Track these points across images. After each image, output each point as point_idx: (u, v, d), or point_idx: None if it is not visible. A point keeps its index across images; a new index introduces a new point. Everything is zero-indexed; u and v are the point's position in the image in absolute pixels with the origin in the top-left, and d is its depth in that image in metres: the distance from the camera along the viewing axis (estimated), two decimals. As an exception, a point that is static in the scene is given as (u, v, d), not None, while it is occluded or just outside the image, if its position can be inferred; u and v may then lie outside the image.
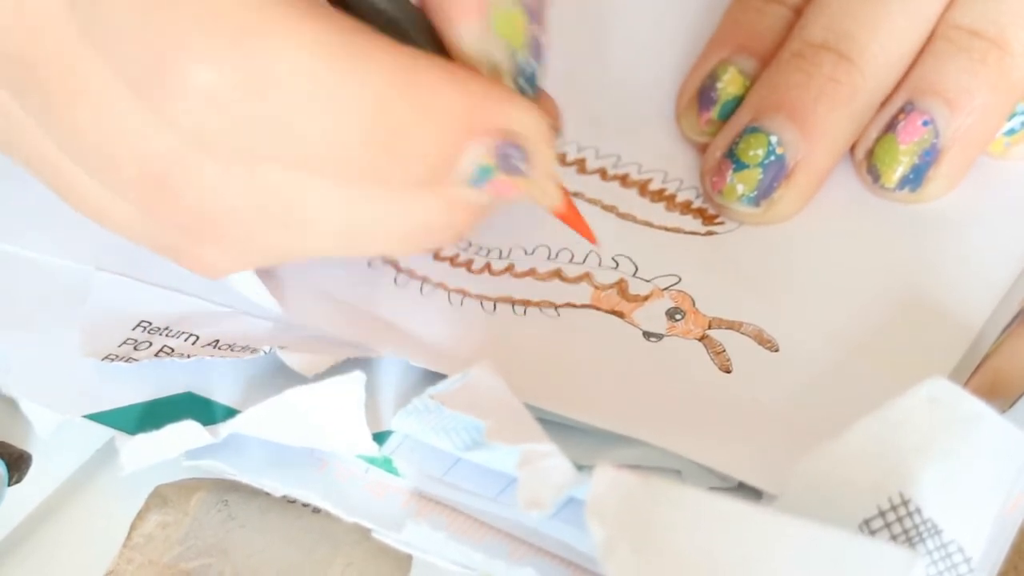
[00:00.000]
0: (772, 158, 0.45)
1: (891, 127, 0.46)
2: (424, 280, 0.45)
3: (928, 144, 0.45)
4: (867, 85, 0.46)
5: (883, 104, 0.46)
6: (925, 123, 0.45)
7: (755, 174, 0.45)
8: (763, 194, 0.45)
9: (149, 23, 0.34)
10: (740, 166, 0.46)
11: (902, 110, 0.46)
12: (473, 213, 0.39)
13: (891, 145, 0.46)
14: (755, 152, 0.45)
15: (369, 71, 0.35)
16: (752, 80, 0.47)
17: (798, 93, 0.46)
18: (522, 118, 0.37)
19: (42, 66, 0.37)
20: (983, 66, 0.45)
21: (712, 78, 0.48)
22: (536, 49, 0.39)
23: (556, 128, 0.41)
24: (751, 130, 0.46)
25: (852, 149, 0.47)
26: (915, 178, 0.46)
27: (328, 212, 0.37)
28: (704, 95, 0.48)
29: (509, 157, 0.37)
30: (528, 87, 0.39)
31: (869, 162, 0.46)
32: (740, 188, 0.46)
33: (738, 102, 0.47)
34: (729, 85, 0.48)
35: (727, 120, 0.47)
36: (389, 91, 0.35)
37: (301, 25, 0.35)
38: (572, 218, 0.41)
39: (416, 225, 0.38)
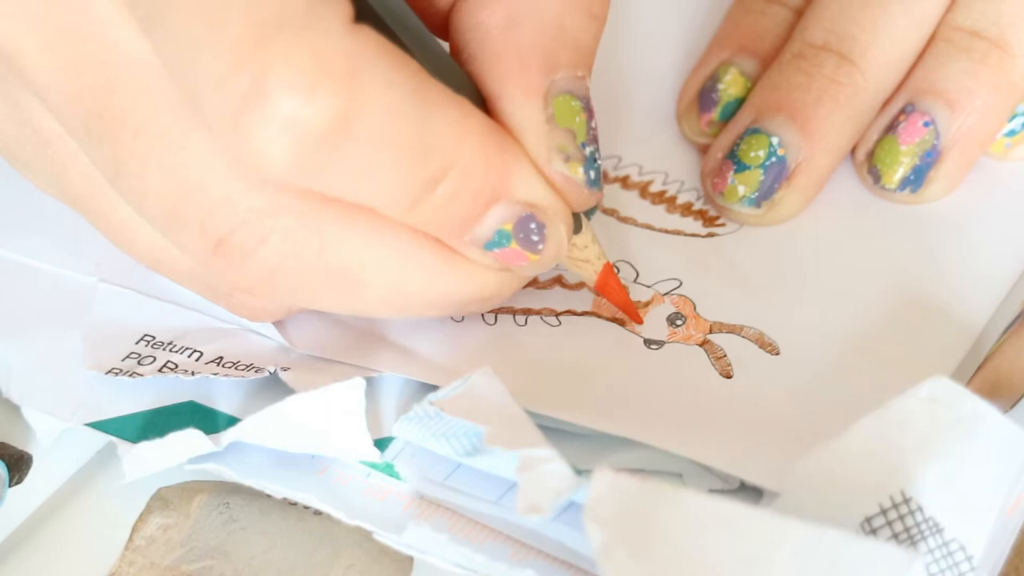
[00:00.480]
0: (773, 159, 0.45)
1: (892, 128, 0.46)
2: None
3: (929, 145, 0.45)
4: (868, 86, 0.46)
5: (884, 105, 0.46)
6: (926, 124, 0.45)
7: (756, 175, 0.46)
8: (764, 195, 0.45)
9: (250, 48, 0.34)
10: (741, 167, 0.46)
11: (903, 111, 0.46)
12: (499, 293, 0.40)
13: (892, 146, 0.46)
14: (756, 153, 0.45)
15: (437, 115, 0.36)
16: (754, 81, 0.47)
17: (799, 94, 0.46)
18: (547, 195, 0.39)
19: (118, 118, 0.37)
20: (984, 67, 0.45)
21: (713, 79, 0.48)
22: (595, 140, 0.40)
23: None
24: (752, 131, 0.46)
25: (853, 150, 0.47)
26: (916, 179, 0.46)
27: (381, 277, 0.38)
28: (705, 96, 0.48)
29: (529, 229, 0.39)
30: (597, 180, 0.40)
31: (870, 163, 0.46)
32: (741, 189, 0.46)
33: (739, 103, 0.47)
34: (730, 86, 0.48)
35: (728, 121, 0.47)
36: (451, 136, 0.36)
37: (390, 65, 0.35)
38: (614, 295, 0.43)
39: (456, 296, 0.39)
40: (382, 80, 0.35)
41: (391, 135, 0.35)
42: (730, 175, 0.46)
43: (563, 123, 0.39)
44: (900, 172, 0.46)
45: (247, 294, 0.40)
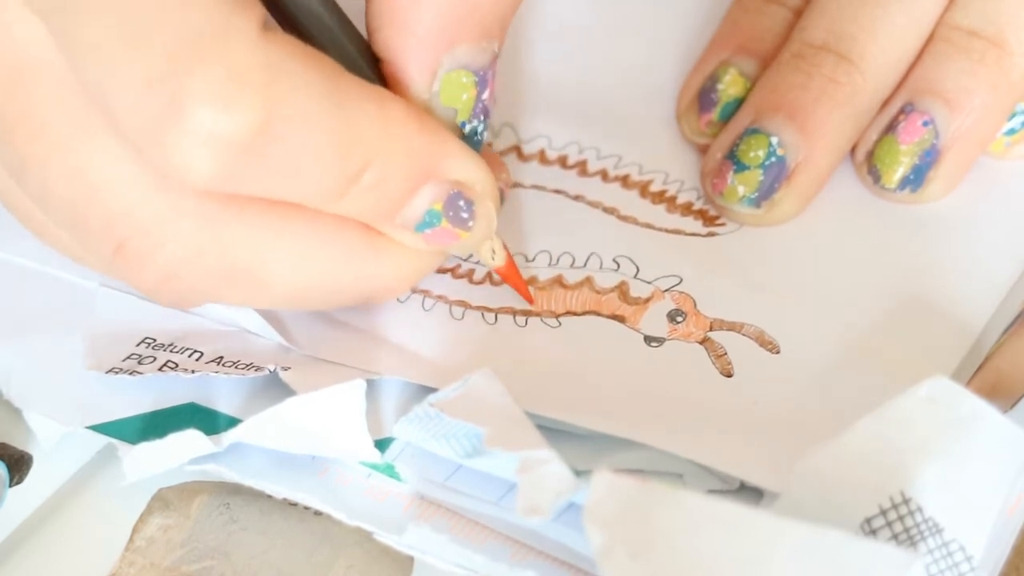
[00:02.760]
0: (773, 159, 0.45)
1: (891, 128, 0.46)
2: (425, 294, 0.45)
3: (928, 144, 0.45)
4: (867, 86, 0.46)
5: (883, 105, 0.46)
6: (925, 123, 0.45)
7: (756, 175, 0.45)
8: (764, 195, 0.45)
9: (166, 64, 0.34)
10: (741, 167, 0.46)
11: (902, 111, 0.46)
12: (416, 274, 0.41)
13: (891, 146, 0.46)
14: (756, 153, 0.45)
15: (355, 110, 0.37)
16: (753, 82, 0.47)
17: (798, 94, 0.46)
18: (475, 171, 0.39)
19: (19, 119, 0.37)
20: (982, 66, 0.45)
21: (713, 80, 0.48)
22: (482, 114, 0.40)
23: (505, 187, 0.43)
24: (752, 131, 0.46)
25: (853, 150, 0.47)
26: (916, 178, 0.46)
27: (285, 275, 0.39)
28: (705, 96, 0.48)
29: (458, 207, 0.39)
30: (474, 147, 0.40)
31: (870, 163, 0.46)
32: (741, 189, 0.45)
33: (739, 104, 0.47)
34: (730, 87, 0.48)
35: (728, 121, 0.47)
36: (371, 129, 0.37)
37: (305, 69, 0.36)
38: (512, 277, 0.43)
39: (367, 282, 0.40)
40: (297, 85, 0.35)
41: (310, 137, 0.36)
42: (730, 175, 0.46)
43: (447, 102, 0.39)
44: (900, 172, 0.46)
45: (150, 295, 0.40)
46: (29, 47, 0.37)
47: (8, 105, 0.37)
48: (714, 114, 0.48)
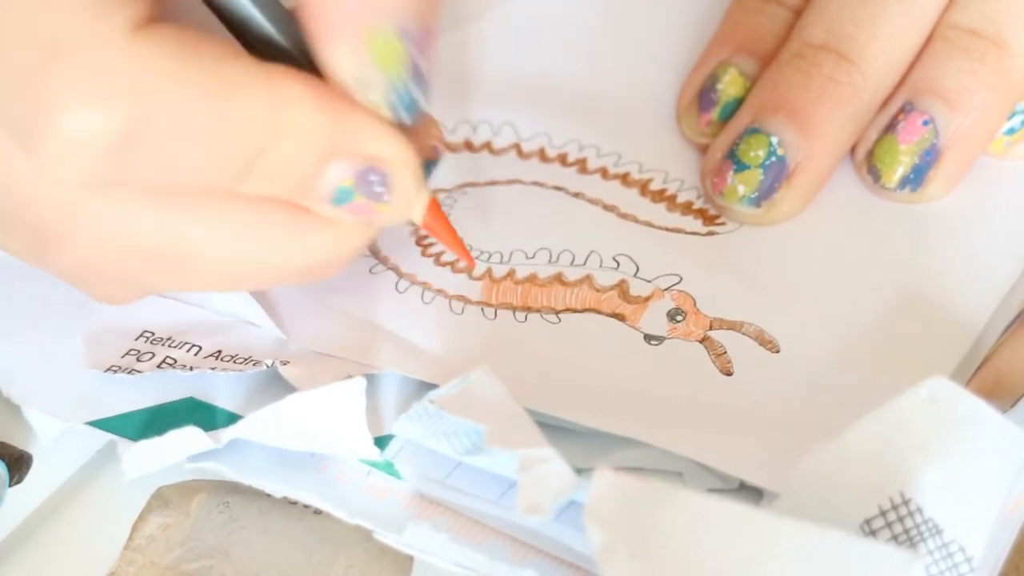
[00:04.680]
0: (773, 159, 0.45)
1: (891, 127, 0.46)
2: (425, 286, 0.45)
3: (928, 144, 0.45)
4: (867, 85, 0.46)
5: (883, 105, 0.46)
6: (925, 123, 0.45)
7: (756, 175, 0.45)
8: (764, 195, 0.45)
9: (24, 71, 0.35)
10: (741, 167, 0.46)
11: (902, 110, 0.46)
12: (351, 248, 0.40)
13: (891, 145, 0.46)
14: (756, 153, 0.45)
15: (240, 96, 0.36)
16: (752, 81, 0.47)
17: (799, 94, 0.46)
18: (385, 145, 0.39)
19: None
20: (982, 65, 0.45)
21: (712, 79, 0.48)
22: (418, 78, 0.39)
23: (436, 151, 0.41)
24: (752, 131, 0.46)
25: (852, 150, 0.47)
26: (916, 178, 0.46)
27: (210, 253, 0.39)
28: (704, 96, 0.48)
29: (370, 182, 0.39)
30: (408, 116, 0.39)
31: (869, 163, 0.46)
32: (741, 189, 0.45)
33: (738, 103, 0.47)
34: (730, 86, 0.48)
35: (727, 121, 0.47)
36: (261, 113, 0.37)
37: (177, 65, 0.36)
38: (441, 232, 0.42)
39: (298, 259, 0.40)
40: (169, 82, 0.35)
41: (187, 129, 0.36)
42: (730, 175, 0.46)
43: (379, 64, 0.38)
44: (900, 171, 0.46)
45: (81, 284, 0.40)
46: None
47: None
48: (714, 114, 0.48)
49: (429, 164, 0.41)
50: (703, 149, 0.48)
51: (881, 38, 0.46)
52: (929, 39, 0.46)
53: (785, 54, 0.47)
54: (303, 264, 0.40)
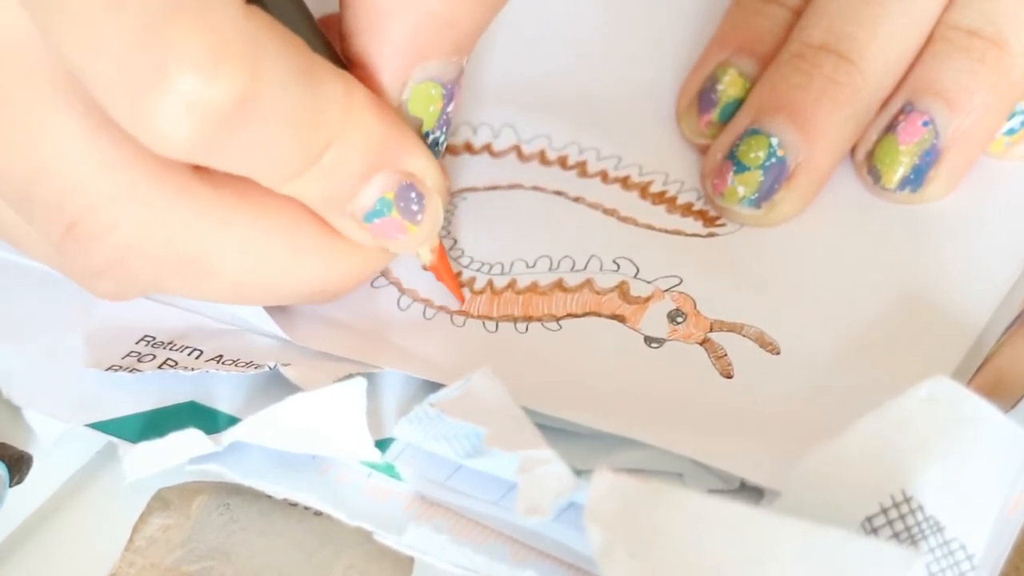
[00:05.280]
0: (773, 160, 0.45)
1: (891, 128, 0.46)
2: (427, 303, 0.45)
3: (928, 144, 0.45)
4: (867, 86, 0.46)
5: (883, 105, 0.46)
6: (925, 123, 0.45)
7: (756, 176, 0.45)
8: (764, 196, 0.45)
9: (152, 29, 0.34)
10: (741, 168, 0.46)
11: (902, 111, 0.46)
12: (363, 273, 0.42)
13: (891, 146, 0.46)
14: (756, 154, 0.45)
15: (324, 89, 0.37)
16: (752, 82, 0.47)
17: (798, 94, 0.46)
18: (428, 167, 0.40)
19: None
20: (982, 65, 0.45)
21: (712, 80, 0.48)
22: (445, 125, 0.41)
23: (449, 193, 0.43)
24: (752, 132, 0.46)
25: (852, 151, 0.47)
26: (916, 179, 0.46)
27: (230, 266, 0.39)
28: (704, 97, 0.48)
29: (409, 199, 0.40)
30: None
31: (869, 163, 0.46)
32: (741, 190, 0.45)
33: (738, 104, 0.47)
34: (729, 87, 0.48)
35: (727, 122, 0.47)
36: (336, 110, 0.37)
37: (284, 44, 0.36)
38: (443, 274, 0.44)
39: (311, 279, 0.41)
40: (276, 59, 0.36)
41: (284, 112, 0.36)
42: (730, 176, 0.46)
43: (415, 111, 0.40)
44: (900, 172, 0.46)
45: (97, 278, 0.40)
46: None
47: None
48: (714, 115, 0.48)
49: None
50: (703, 150, 0.48)
51: (881, 38, 0.46)
52: (929, 40, 0.46)
53: (785, 55, 0.47)
54: (315, 285, 0.41)
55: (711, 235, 0.46)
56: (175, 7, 0.34)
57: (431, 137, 0.41)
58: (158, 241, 0.38)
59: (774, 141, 0.45)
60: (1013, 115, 0.46)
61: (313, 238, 0.40)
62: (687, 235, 0.46)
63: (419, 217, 0.40)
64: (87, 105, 0.37)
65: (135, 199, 0.38)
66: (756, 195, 0.45)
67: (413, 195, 0.40)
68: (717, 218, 0.46)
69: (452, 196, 0.48)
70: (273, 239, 0.39)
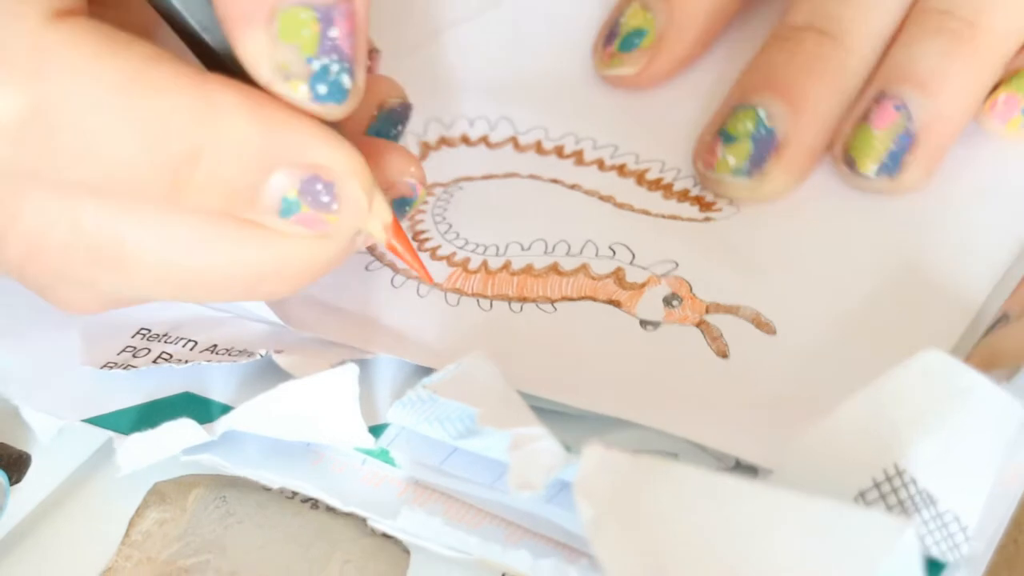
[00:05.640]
0: (762, 130, 0.45)
1: (864, 117, 0.46)
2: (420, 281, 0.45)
3: (902, 128, 0.45)
4: (851, 62, 0.46)
5: (858, 99, 0.46)
6: (897, 107, 0.45)
7: (746, 146, 0.45)
8: (755, 165, 0.45)
9: None
10: (729, 140, 0.46)
11: (875, 100, 0.46)
12: (307, 264, 0.39)
13: (865, 133, 0.45)
14: (744, 125, 0.46)
15: (167, 100, 0.35)
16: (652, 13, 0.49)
17: (783, 70, 0.46)
18: (330, 153, 0.37)
19: None
20: (956, 45, 0.45)
21: (617, 15, 0.50)
22: (333, 52, 0.37)
23: (410, 188, 0.40)
24: (740, 108, 0.46)
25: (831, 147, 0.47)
26: (892, 163, 0.45)
27: (148, 255, 0.38)
28: (609, 32, 0.50)
29: (316, 192, 0.37)
30: (333, 94, 0.37)
31: (845, 154, 0.46)
32: (732, 160, 0.45)
33: (639, 33, 0.49)
34: (631, 19, 0.49)
35: (628, 52, 0.48)
36: (181, 118, 0.36)
37: (90, 56, 0.35)
38: (404, 252, 0.40)
39: (244, 270, 0.38)
40: (78, 71, 0.35)
41: (101, 123, 0.35)
42: (720, 149, 0.46)
43: (285, 37, 0.37)
44: (875, 157, 0.45)
45: (26, 281, 0.40)
46: None
47: None
48: (615, 45, 0.49)
49: (403, 202, 0.40)
50: (616, 82, 0.49)
51: (865, 16, 0.46)
52: (902, 25, 0.46)
53: (769, 38, 0.47)
54: (249, 276, 0.38)
55: (707, 219, 0.46)
56: None
57: (316, 64, 0.37)
58: (64, 233, 0.37)
59: (762, 113, 0.45)
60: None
61: (231, 227, 0.38)
62: (683, 220, 0.46)
63: (334, 207, 0.37)
64: None
65: (34, 189, 0.37)
66: (747, 164, 0.45)
67: (320, 187, 0.37)
68: (713, 203, 0.46)
69: (448, 186, 0.47)
70: (190, 227, 0.38)
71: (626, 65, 0.49)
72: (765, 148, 0.45)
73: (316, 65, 0.37)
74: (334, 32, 0.37)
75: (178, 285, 0.38)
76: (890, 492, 0.35)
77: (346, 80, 0.37)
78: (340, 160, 0.37)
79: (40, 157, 0.36)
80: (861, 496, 0.35)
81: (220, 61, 0.38)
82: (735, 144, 0.45)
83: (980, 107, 0.46)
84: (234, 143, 0.36)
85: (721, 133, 0.46)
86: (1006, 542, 0.37)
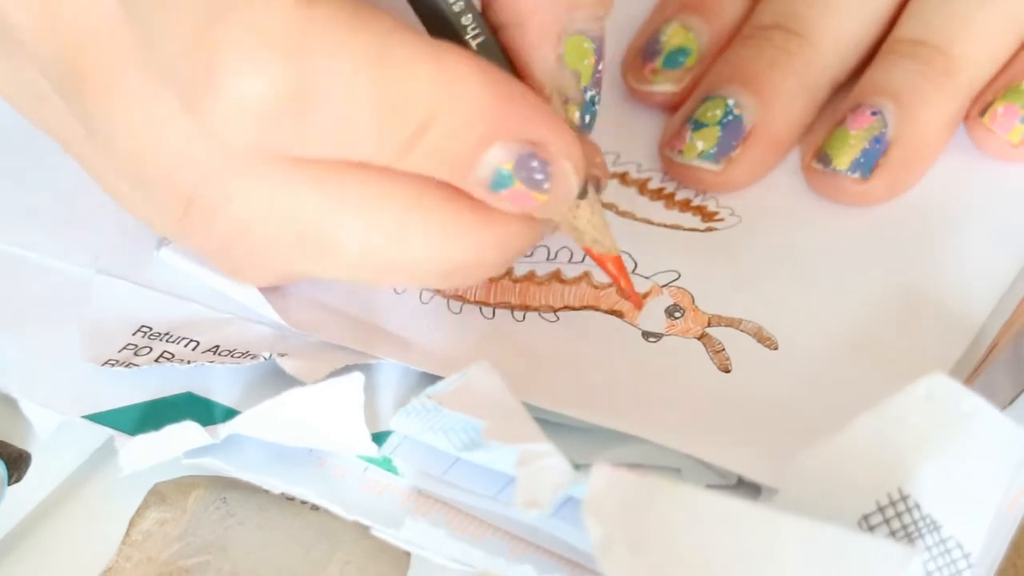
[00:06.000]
0: (730, 118, 0.46)
1: (841, 121, 0.46)
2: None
3: (878, 131, 0.46)
4: (819, 59, 0.47)
5: (831, 109, 0.47)
6: (874, 113, 0.46)
7: (714, 132, 0.46)
8: (722, 151, 0.46)
9: (202, 31, 0.35)
10: (699, 126, 0.46)
11: (851, 109, 0.46)
12: (503, 251, 0.39)
13: (842, 133, 0.46)
14: (713, 113, 0.46)
15: (407, 70, 0.36)
16: (695, 33, 0.48)
17: (751, 64, 0.47)
18: (551, 133, 0.38)
19: (85, 73, 0.38)
20: (929, 67, 0.46)
21: (655, 34, 0.49)
22: (598, 84, 0.40)
23: (601, 174, 0.41)
24: (709, 98, 0.47)
25: (802, 153, 0.47)
26: (865, 164, 0.45)
27: (352, 240, 0.38)
28: (648, 48, 0.49)
29: (530, 168, 0.38)
30: (588, 125, 0.40)
31: (820, 152, 0.46)
32: (700, 145, 0.46)
33: (682, 52, 0.48)
34: (672, 37, 0.49)
35: (672, 69, 0.48)
36: (427, 88, 0.36)
37: (344, 32, 0.35)
38: (618, 271, 0.42)
39: (443, 258, 0.39)
40: (335, 47, 0.35)
41: (352, 99, 0.36)
42: (688, 134, 0.46)
43: (571, 64, 0.39)
44: (850, 154, 0.46)
45: (220, 258, 0.40)
46: (97, 6, 0.37)
47: (77, 63, 0.38)
48: (658, 62, 0.49)
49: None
50: (649, 100, 0.49)
51: (832, 15, 0.47)
52: (876, 54, 0.47)
53: (737, 39, 0.48)
54: (445, 265, 0.39)
55: (709, 229, 0.46)
56: (222, 5, 0.35)
57: (588, 94, 0.40)
58: (278, 213, 0.38)
59: (730, 102, 0.46)
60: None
61: (446, 208, 0.38)
62: (685, 229, 0.46)
63: (546, 185, 0.38)
64: None
65: (251, 170, 0.38)
66: (715, 149, 0.46)
67: (535, 164, 0.38)
68: (716, 213, 0.46)
69: None
70: (400, 209, 0.38)
71: (669, 82, 0.48)
72: (733, 135, 0.46)
73: (588, 95, 0.40)
74: (601, 66, 0.40)
75: (373, 270, 0.39)
76: (894, 516, 0.35)
77: (597, 108, 0.40)
78: (559, 140, 0.38)
79: (293, 136, 0.36)
80: (865, 520, 0.35)
81: (442, 26, 0.39)
82: (704, 130, 0.46)
83: (951, 133, 0.47)
84: (467, 112, 0.37)
85: (690, 121, 0.47)
86: (1005, 566, 0.37)
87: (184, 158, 0.38)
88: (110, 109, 0.38)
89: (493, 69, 0.37)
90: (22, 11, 0.38)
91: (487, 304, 0.44)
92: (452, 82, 0.37)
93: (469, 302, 0.44)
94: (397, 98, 0.36)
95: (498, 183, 0.38)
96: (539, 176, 0.38)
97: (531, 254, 0.45)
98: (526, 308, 0.44)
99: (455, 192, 0.38)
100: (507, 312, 0.44)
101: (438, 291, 0.44)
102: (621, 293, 0.43)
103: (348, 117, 0.36)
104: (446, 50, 0.37)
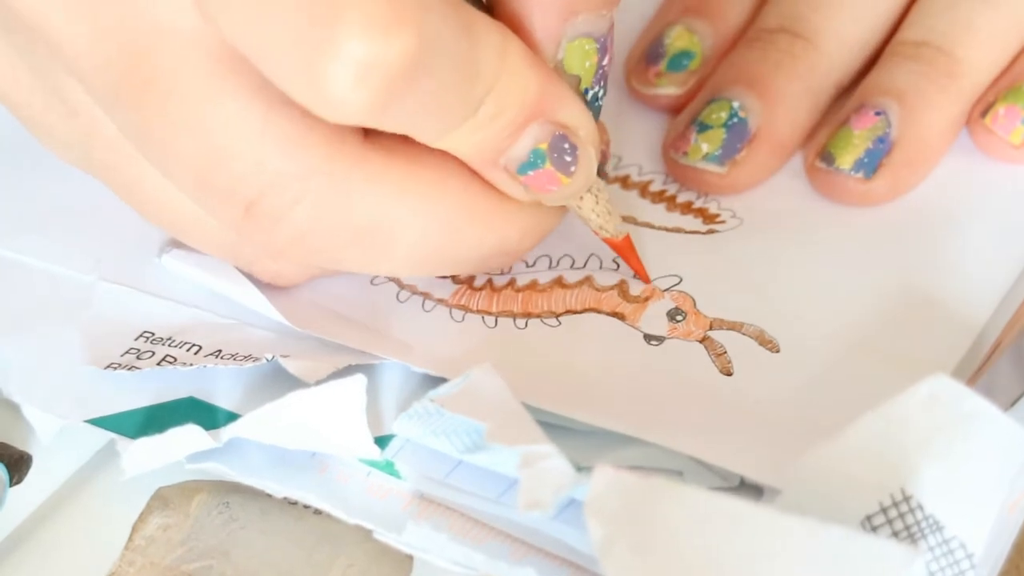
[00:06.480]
0: (735, 120, 0.46)
1: (845, 122, 0.46)
2: (426, 296, 0.45)
3: (882, 131, 0.46)
4: (823, 62, 0.47)
5: (836, 110, 0.47)
6: (878, 113, 0.46)
7: (719, 133, 0.46)
8: (727, 154, 0.46)
9: (316, 16, 0.34)
10: (704, 128, 0.46)
11: (855, 109, 0.46)
12: (538, 236, 0.41)
13: (845, 132, 0.46)
14: (718, 115, 0.46)
15: (481, 40, 0.37)
16: (699, 36, 0.49)
17: (755, 67, 0.47)
18: (581, 119, 0.39)
19: (148, 84, 0.37)
20: (932, 69, 0.46)
21: (658, 36, 0.49)
22: (602, 79, 0.41)
23: (607, 149, 0.43)
24: (714, 100, 0.47)
25: (806, 155, 0.47)
26: (869, 162, 0.46)
27: (409, 232, 0.39)
28: (651, 51, 0.49)
29: (562, 150, 0.39)
30: (593, 115, 0.40)
31: (823, 152, 0.46)
32: (705, 147, 0.46)
33: (686, 54, 0.49)
34: (676, 40, 0.49)
35: (676, 72, 0.48)
36: (493, 60, 0.37)
37: (444, 4, 0.36)
38: (627, 252, 0.44)
39: (485, 246, 0.40)
40: (442, 16, 0.36)
41: (449, 66, 0.36)
42: (693, 136, 0.47)
43: (571, 69, 0.40)
44: (854, 153, 0.46)
45: (276, 258, 0.41)
46: (157, 10, 0.37)
47: (136, 70, 0.37)
48: (661, 65, 0.49)
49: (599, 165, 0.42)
50: (654, 102, 0.49)
51: (836, 19, 0.47)
52: (879, 57, 0.47)
53: (742, 42, 0.48)
54: (493, 246, 0.41)
55: (711, 231, 0.46)
56: None
57: (590, 93, 0.40)
58: (338, 214, 0.38)
59: (735, 104, 0.46)
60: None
61: (484, 199, 0.40)
62: (687, 232, 0.46)
63: (572, 168, 0.40)
64: (256, 85, 0.37)
65: (315, 173, 0.38)
66: (720, 151, 0.46)
67: (566, 146, 0.39)
68: (717, 215, 0.46)
69: None
70: (450, 203, 0.39)
71: (673, 85, 0.48)
72: (738, 137, 0.46)
73: (589, 95, 0.40)
74: (605, 61, 0.40)
75: (424, 260, 0.40)
76: (897, 517, 0.35)
77: (601, 103, 0.41)
78: (587, 126, 0.40)
79: (402, 103, 0.36)
80: (867, 520, 0.35)
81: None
82: (709, 132, 0.46)
83: (954, 135, 0.47)
84: (516, 86, 0.38)
85: (695, 123, 0.47)
86: (1008, 568, 0.37)
87: (252, 162, 0.38)
88: (174, 116, 0.37)
89: (536, 55, 0.39)
90: (72, 21, 0.37)
91: (489, 313, 0.44)
92: (510, 57, 0.37)
93: (472, 311, 0.44)
94: (474, 67, 0.37)
95: (530, 164, 0.39)
96: (568, 158, 0.39)
97: (533, 263, 0.45)
98: (528, 315, 0.44)
99: (484, 182, 0.40)
100: (509, 320, 0.44)
101: (440, 301, 0.44)
102: (637, 274, 0.44)
103: (443, 84, 0.36)
104: (499, 26, 0.38)
